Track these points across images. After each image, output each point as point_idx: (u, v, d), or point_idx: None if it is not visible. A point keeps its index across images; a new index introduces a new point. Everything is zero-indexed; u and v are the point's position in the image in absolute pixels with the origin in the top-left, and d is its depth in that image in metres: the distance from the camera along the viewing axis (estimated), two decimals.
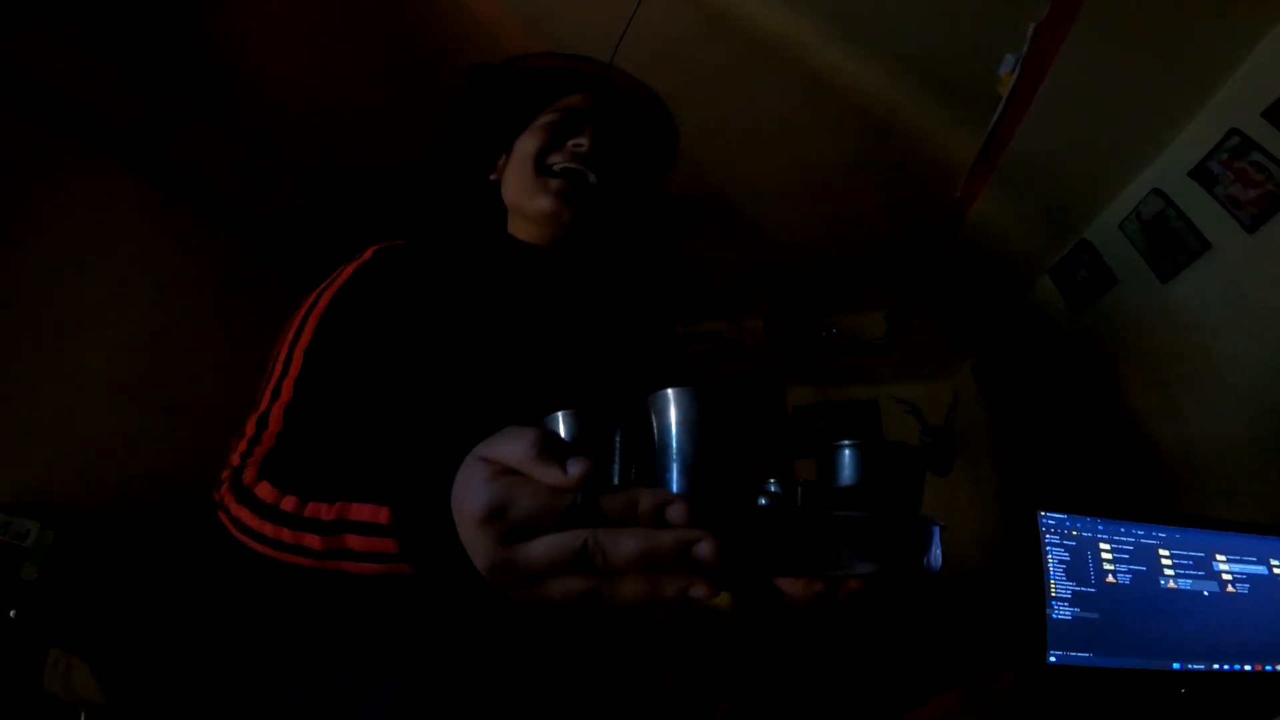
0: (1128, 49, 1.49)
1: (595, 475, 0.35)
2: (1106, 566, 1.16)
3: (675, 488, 0.40)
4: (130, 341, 2.25)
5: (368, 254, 0.75)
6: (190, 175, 2.46)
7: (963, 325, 3.05)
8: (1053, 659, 1.09)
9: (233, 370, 2.58)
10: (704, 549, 0.33)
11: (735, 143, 2.45)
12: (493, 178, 0.92)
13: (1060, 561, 1.15)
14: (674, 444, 0.41)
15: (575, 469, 0.35)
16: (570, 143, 0.82)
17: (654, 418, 0.42)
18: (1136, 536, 1.19)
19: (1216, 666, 1.13)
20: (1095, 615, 1.12)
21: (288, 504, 0.54)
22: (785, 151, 2.48)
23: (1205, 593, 1.17)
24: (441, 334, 0.70)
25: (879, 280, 3.27)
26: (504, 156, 0.91)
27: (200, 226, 2.57)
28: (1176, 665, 1.12)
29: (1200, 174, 1.75)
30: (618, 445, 0.45)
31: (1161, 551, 1.18)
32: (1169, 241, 1.90)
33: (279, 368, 0.68)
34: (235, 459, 0.64)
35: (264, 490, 0.57)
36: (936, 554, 0.45)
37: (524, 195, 0.82)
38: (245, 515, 0.57)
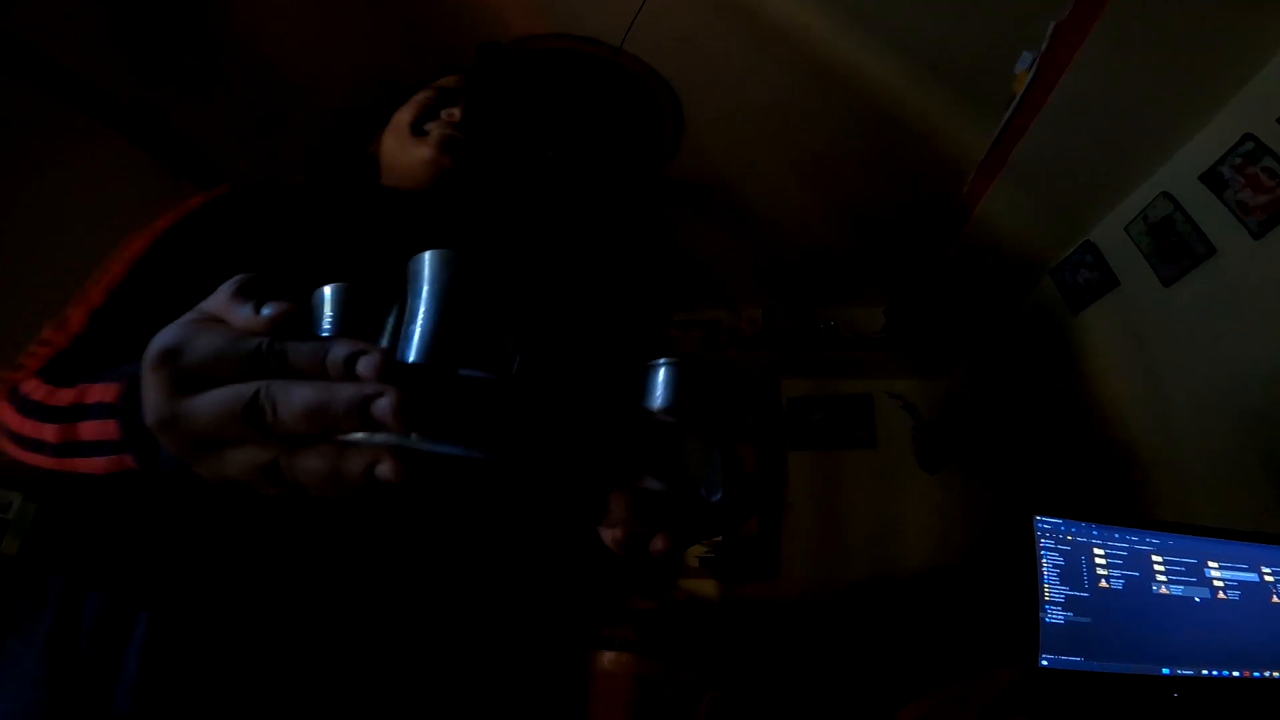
0: (1146, 50, 1.47)
1: (291, 321, 0.30)
2: (1100, 571, 1.16)
3: (406, 354, 0.33)
4: None
5: (223, 188, 0.73)
6: (193, 150, 2.42)
7: (961, 322, 3.04)
8: (1045, 662, 1.09)
9: None
10: (382, 405, 0.27)
11: (742, 130, 2.43)
12: (369, 150, 0.93)
13: (1054, 566, 1.15)
14: (414, 305, 0.34)
15: (269, 310, 0.30)
16: (444, 112, 0.86)
17: (409, 282, 0.35)
18: (1130, 542, 1.19)
19: (1206, 672, 1.13)
20: (1088, 620, 1.12)
21: (38, 392, 0.47)
22: (792, 141, 2.45)
23: (1197, 599, 1.17)
24: (282, 269, 0.64)
25: (879, 274, 3.26)
26: (380, 132, 0.92)
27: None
28: (1167, 671, 1.12)
29: (1211, 178, 1.74)
30: (389, 327, 0.37)
31: (1154, 557, 1.19)
32: (1174, 245, 1.89)
33: (97, 276, 0.62)
34: (19, 361, 0.56)
35: (30, 386, 0.49)
36: (714, 483, 0.39)
37: (401, 152, 0.83)
38: (7, 415, 0.50)
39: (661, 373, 0.44)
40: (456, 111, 0.85)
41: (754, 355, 3.53)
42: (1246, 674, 1.15)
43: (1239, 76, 1.61)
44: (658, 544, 0.38)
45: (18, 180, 1.91)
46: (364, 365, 0.27)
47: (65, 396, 0.44)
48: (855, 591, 3.04)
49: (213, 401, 0.28)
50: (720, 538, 3.44)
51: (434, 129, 0.84)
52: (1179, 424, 1.92)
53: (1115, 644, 1.12)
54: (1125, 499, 2.08)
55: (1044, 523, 1.18)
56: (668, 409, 0.43)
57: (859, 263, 3.21)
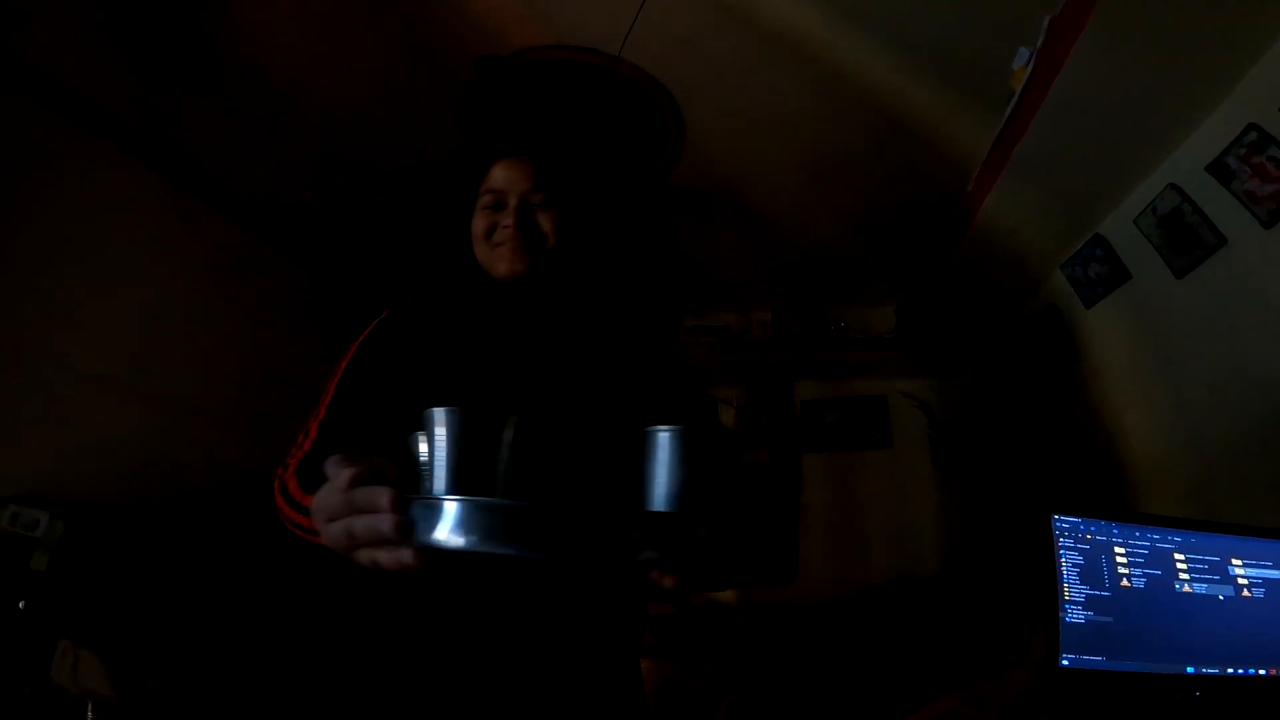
0: (1145, 42, 1.46)
1: (366, 476, 0.51)
2: (1121, 570, 1.15)
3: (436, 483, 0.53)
4: (139, 332, 2.25)
5: (384, 314, 0.97)
6: (199, 166, 2.45)
7: (973, 319, 3.02)
8: (1065, 662, 1.08)
9: (239, 362, 2.61)
10: (386, 527, 0.47)
11: (745, 134, 2.43)
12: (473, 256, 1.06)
13: (1074, 565, 1.14)
14: (429, 446, 0.54)
15: (348, 472, 0.51)
16: (500, 225, 0.96)
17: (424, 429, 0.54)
18: (1152, 540, 1.18)
19: (1231, 671, 1.12)
20: (1109, 619, 1.11)
21: (297, 494, 0.71)
22: (795, 143, 2.46)
23: (1220, 597, 1.15)
24: (438, 369, 0.89)
25: (889, 273, 3.25)
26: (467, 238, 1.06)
27: (208, 218, 2.56)
28: (1190, 669, 1.11)
29: (1217, 169, 1.72)
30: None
31: (1177, 555, 1.17)
32: (1184, 237, 1.87)
33: (323, 395, 0.88)
34: (286, 460, 0.80)
35: (292, 485, 0.72)
36: (637, 547, 0.48)
37: (487, 265, 0.97)
38: (283, 506, 0.73)
39: (660, 439, 0.55)
40: (510, 220, 0.95)
41: (765, 358, 3.53)
42: (1274, 671, 1.13)
43: (1239, 66, 1.59)
44: (666, 582, 0.51)
45: (27, 198, 1.94)
46: (378, 500, 0.49)
47: (306, 500, 0.64)
48: (873, 593, 3.03)
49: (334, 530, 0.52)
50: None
51: (501, 239, 0.95)
52: (1200, 419, 1.90)
53: (1137, 643, 1.11)
54: (1145, 497, 2.06)
55: (1062, 522, 1.16)
56: (667, 481, 0.54)
57: (868, 262, 3.20)
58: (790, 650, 2.93)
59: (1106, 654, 1.09)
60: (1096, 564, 1.15)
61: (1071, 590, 1.13)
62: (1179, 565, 1.16)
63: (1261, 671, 1.12)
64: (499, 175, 0.97)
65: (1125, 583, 1.14)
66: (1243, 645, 1.13)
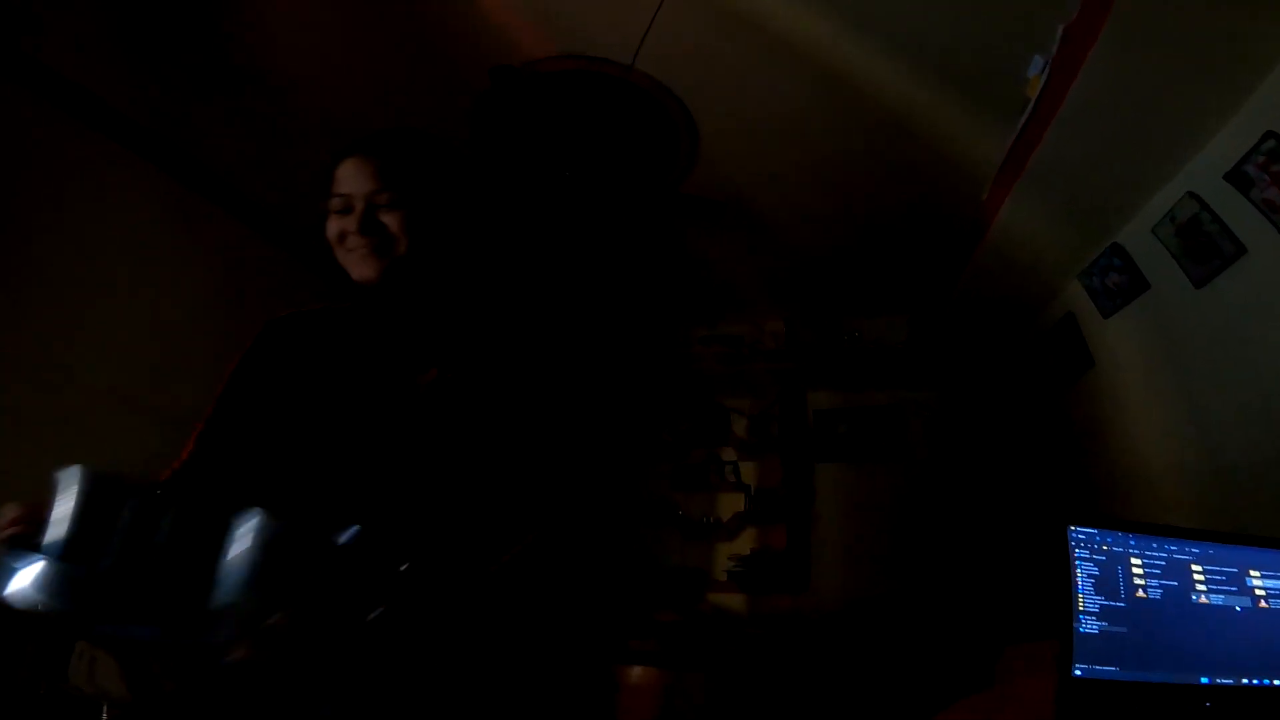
0: (1160, 50, 1.46)
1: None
2: (1137, 581, 1.14)
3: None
4: (149, 334, 2.24)
5: (262, 328, 0.98)
6: (212, 171, 2.48)
7: (988, 329, 3.00)
8: (1078, 672, 1.06)
9: None
10: None
11: (757, 142, 2.44)
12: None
13: (1089, 576, 1.13)
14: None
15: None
16: (348, 236, 0.90)
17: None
18: (1169, 551, 1.16)
19: (1246, 681, 1.10)
20: (1123, 629, 1.09)
21: None
22: (807, 150, 2.45)
23: (1237, 608, 1.14)
24: (287, 382, 0.91)
25: (902, 283, 3.23)
26: None
27: (221, 222, 2.57)
28: (1205, 680, 1.09)
29: (1236, 177, 1.70)
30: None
31: (1194, 567, 1.16)
32: (1203, 245, 1.85)
33: (204, 411, 0.92)
34: (165, 469, 0.86)
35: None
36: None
37: (346, 270, 0.93)
38: None
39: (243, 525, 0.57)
40: (352, 224, 0.89)
41: (777, 368, 3.52)
42: None
43: (1256, 73, 1.58)
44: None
45: (39, 200, 1.95)
46: None
47: None
48: (883, 603, 2.99)
49: None
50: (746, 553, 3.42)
51: (352, 244, 0.90)
52: (1218, 429, 1.87)
53: (1152, 653, 1.09)
54: (1163, 509, 2.02)
55: (1078, 533, 1.15)
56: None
57: (881, 272, 3.18)
58: (799, 660, 2.90)
59: (1120, 664, 1.08)
60: (1112, 575, 1.14)
61: (1086, 601, 1.12)
62: (1196, 576, 1.15)
63: (1276, 682, 1.10)
64: (343, 177, 0.91)
65: (1141, 593, 1.13)
66: (1259, 656, 1.11)
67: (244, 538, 0.57)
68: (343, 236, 0.90)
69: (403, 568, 0.63)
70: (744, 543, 3.53)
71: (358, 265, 0.90)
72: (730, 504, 3.59)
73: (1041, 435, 2.80)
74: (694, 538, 3.58)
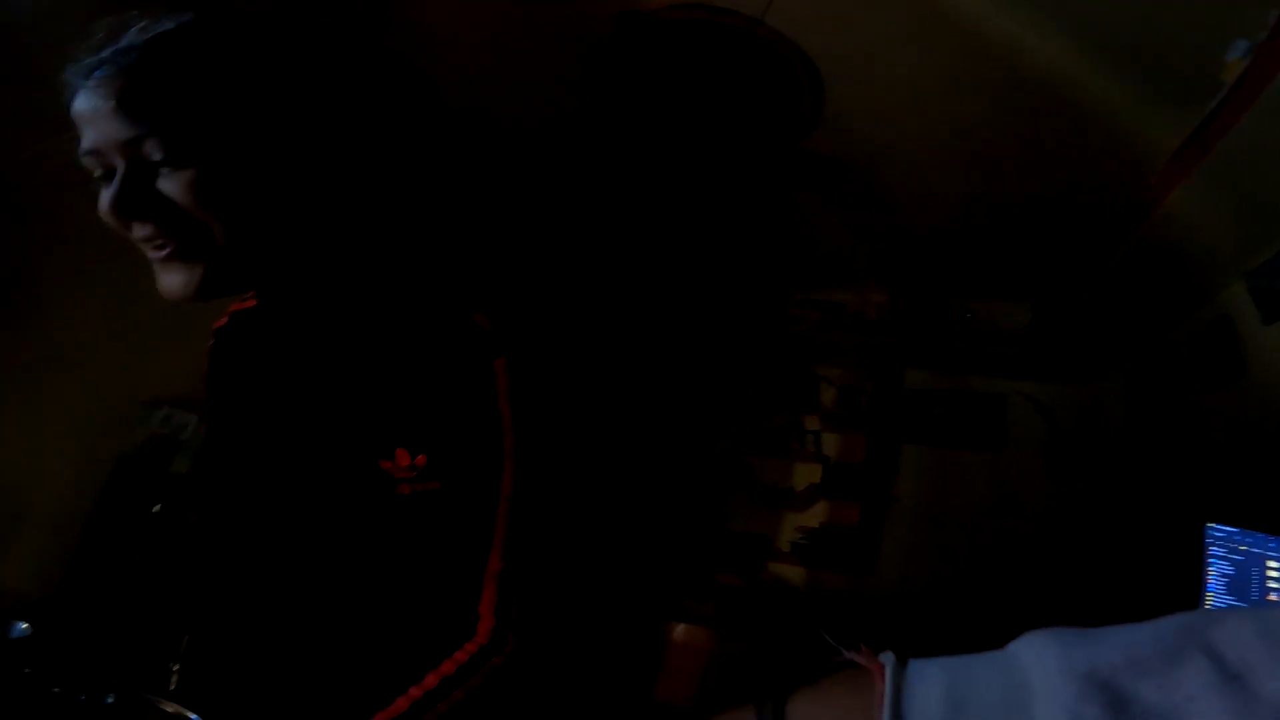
0: None
1: None
2: (1271, 584, 1.06)
3: None
4: None
5: (224, 319, 0.85)
6: None
7: (1124, 324, 2.74)
8: None
9: None
10: None
11: (885, 105, 2.28)
12: None
13: (1222, 575, 1.06)
14: None
15: None
16: (120, 222, 0.55)
17: None
18: None
19: None
20: None
21: None
22: (939, 118, 2.27)
23: None
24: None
25: (1026, 267, 2.98)
26: None
27: None
28: None
29: None
30: None
31: None
32: None
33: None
34: None
35: None
36: None
37: None
38: None
39: None
40: (108, 205, 0.54)
41: (876, 341, 3.37)
42: None
43: None
44: None
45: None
46: None
47: None
48: (959, 597, 2.90)
49: None
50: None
51: (137, 238, 0.56)
52: None
53: None
54: None
55: (1217, 530, 1.09)
56: None
57: (1004, 253, 2.94)
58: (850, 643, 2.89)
59: None
60: (1246, 576, 1.07)
61: (1215, 601, 1.06)
62: None
63: None
64: (82, 116, 0.55)
65: (1273, 597, 1.05)
66: None
67: None
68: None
69: None
70: (813, 516, 3.49)
71: (159, 276, 0.56)
72: (806, 474, 3.54)
73: (1178, 439, 2.56)
74: (762, 503, 3.57)
